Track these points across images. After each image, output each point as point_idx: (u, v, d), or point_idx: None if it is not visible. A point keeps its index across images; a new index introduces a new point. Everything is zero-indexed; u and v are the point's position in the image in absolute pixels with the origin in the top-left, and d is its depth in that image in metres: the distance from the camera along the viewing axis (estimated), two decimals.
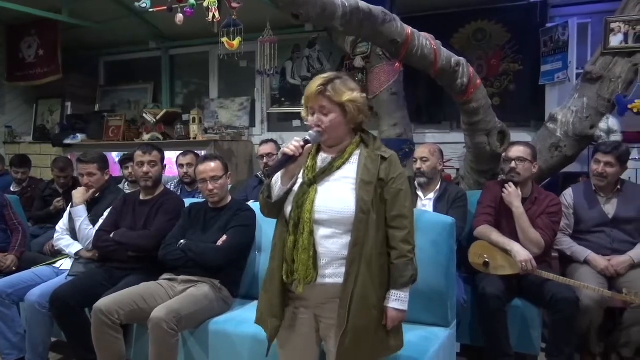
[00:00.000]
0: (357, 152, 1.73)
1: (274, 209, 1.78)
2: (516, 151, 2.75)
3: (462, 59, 2.91)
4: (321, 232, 1.67)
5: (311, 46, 4.77)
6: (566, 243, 2.80)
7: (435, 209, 2.87)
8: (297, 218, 1.68)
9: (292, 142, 1.67)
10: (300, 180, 1.74)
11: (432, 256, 2.28)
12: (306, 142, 1.68)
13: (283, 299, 1.75)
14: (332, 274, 1.67)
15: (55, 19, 4.78)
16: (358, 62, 3.99)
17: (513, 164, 2.72)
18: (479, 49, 4.04)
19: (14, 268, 3.13)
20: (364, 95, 1.74)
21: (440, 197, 2.94)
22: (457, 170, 3.96)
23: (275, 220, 1.83)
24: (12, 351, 2.74)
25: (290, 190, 1.74)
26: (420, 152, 3.02)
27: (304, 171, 1.74)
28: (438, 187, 2.98)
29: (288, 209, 1.73)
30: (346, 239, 1.65)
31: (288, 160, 1.67)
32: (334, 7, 2.26)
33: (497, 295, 2.49)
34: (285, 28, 4.49)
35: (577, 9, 3.86)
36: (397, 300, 1.69)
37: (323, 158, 1.76)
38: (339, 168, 1.72)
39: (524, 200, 2.76)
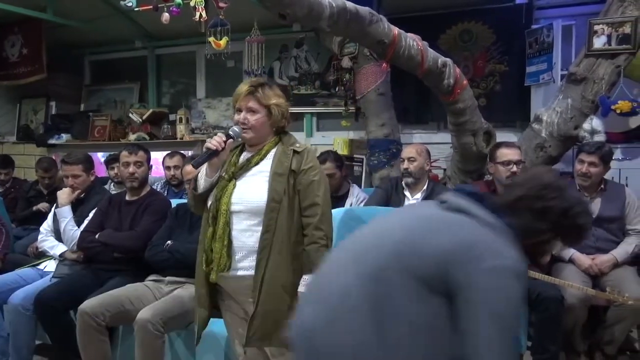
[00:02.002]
0: (274, 150, 1.87)
1: (199, 201, 1.89)
2: (514, 154, 2.76)
3: (448, 60, 2.93)
4: (237, 224, 1.79)
5: (299, 46, 4.76)
6: None
7: None
8: (215, 210, 1.80)
9: (215, 137, 1.81)
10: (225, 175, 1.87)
11: None
12: (228, 136, 1.81)
13: (208, 290, 1.87)
14: (249, 266, 1.77)
15: (40, 18, 4.71)
16: (345, 62, 3.99)
17: (515, 168, 2.73)
18: (465, 50, 4.07)
19: None
20: (288, 103, 1.92)
21: (427, 197, 2.96)
22: (444, 170, 3.98)
23: None
24: None
25: (216, 183, 1.86)
26: (407, 152, 3.04)
27: (226, 166, 1.86)
28: (425, 187, 3.00)
29: (209, 202, 1.84)
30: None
31: (212, 154, 1.80)
32: (321, 8, 2.27)
33: None
34: (273, 28, 4.47)
35: (562, 10, 3.90)
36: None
37: (244, 156, 1.89)
38: (256, 164, 1.85)
39: None
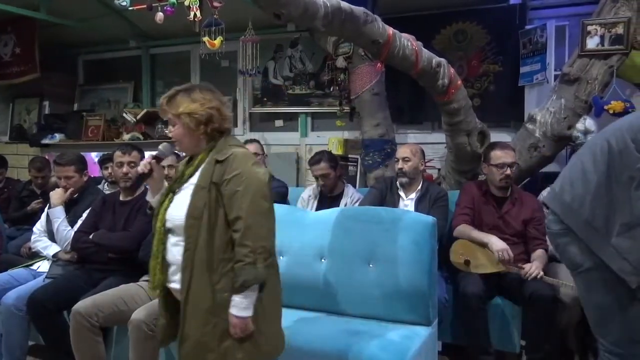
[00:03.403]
0: (207, 159, 1.76)
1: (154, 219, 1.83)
2: (508, 156, 2.77)
3: (443, 60, 2.93)
4: (170, 240, 1.74)
5: (293, 46, 4.76)
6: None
7: (417, 209, 2.90)
8: (154, 227, 1.78)
9: (143, 161, 1.86)
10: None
11: (413, 256, 2.30)
12: (155, 157, 1.86)
13: (164, 301, 1.83)
14: (179, 280, 1.71)
15: (33, 17, 4.68)
16: (340, 62, 3.99)
17: (509, 171, 2.74)
18: (459, 50, 4.08)
19: None
20: (215, 105, 1.75)
21: (421, 197, 2.96)
22: (439, 170, 3.99)
23: None
24: None
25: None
26: (402, 152, 3.04)
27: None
28: (419, 187, 3.01)
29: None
30: None
31: (142, 177, 1.87)
32: (316, 7, 2.26)
33: (477, 294, 2.52)
34: (268, 28, 4.46)
35: (555, 11, 3.92)
36: (235, 307, 1.62)
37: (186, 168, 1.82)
38: (190, 176, 1.76)
39: (504, 200, 2.80)
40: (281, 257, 2.60)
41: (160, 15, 2.70)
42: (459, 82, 3.06)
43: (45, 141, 5.05)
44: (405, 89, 4.19)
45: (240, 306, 1.61)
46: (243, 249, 1.60)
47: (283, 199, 3.40)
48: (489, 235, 2.64)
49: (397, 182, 3.06)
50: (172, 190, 1.78)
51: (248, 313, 1.62)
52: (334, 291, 2.45)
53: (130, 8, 2.93)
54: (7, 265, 3.04)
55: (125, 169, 2.76)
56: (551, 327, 2.50)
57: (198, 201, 1.67)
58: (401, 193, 3.03)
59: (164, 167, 3.61)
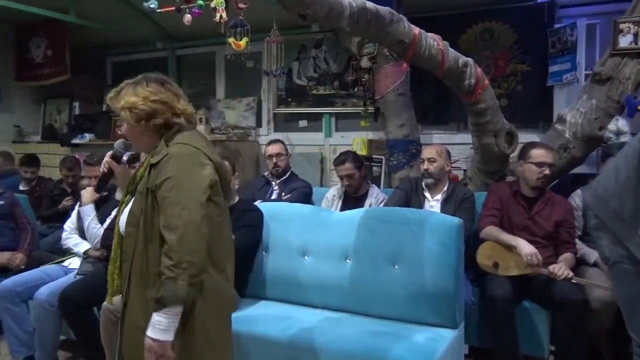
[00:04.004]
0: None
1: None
2: (549, 156, 2.71)
3: (469, 60, 2.90)
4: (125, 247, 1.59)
5: (317, 47, 4.77)
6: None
7: (443, 210, 2.87)
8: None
9: (104, 159, 1.80)
10: None
11: (439, 257, 2.28)
12: (113, 155, 1.81)
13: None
14: None
15: (63, 20, 4.80)
16: (364, 62, 3.98)
17: (547, 171, 2.69)
18: (486, 49, 4.03)
19: (22, 266, 3.15)
20: (161, 99, 1.57)
21: (447, 198, 2.94)
22: (464, 171, 3.95)
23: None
24: (22, 348, 2.76)
25: None
26: (427, 152, 3.02)
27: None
28: (445, 188, 2.98)
29: None
30: None
31: (104, 178, 1.85)
32: (341, 8, 2.26)
33: (505, 297, 2.48)
34: (292, 28, 4.48)
35: (585, 9, 3.83)
36: (152, 326, 1.39)
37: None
38: (141, 178, 1.60)
39: (535, 201, 2.75)
40: (306, 257, 2.62)
41: (188, 17, 2.73)
42: (486, 81, 3.02)
43: (75, 141, 5.17)
44: (430, 89, 4.16)
45: (158, 327, 1.38)
46: (167, 261, 1.39)
47: (307, 199, 3.41)
48: (517, 239, 2.60)
49: (423, 183, 3.03)
50: (129, 192, 1.66)
51: (167, 337, 1.38)
52: (358, 291, 2.45)
53: (158, 10, 2.98)
54: (39, 262, 3.12)
55: None
56: (581, 332, 2.45)
57: (136, 208, 1.53)
58: (427, 194, 3.01)
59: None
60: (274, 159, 3.55)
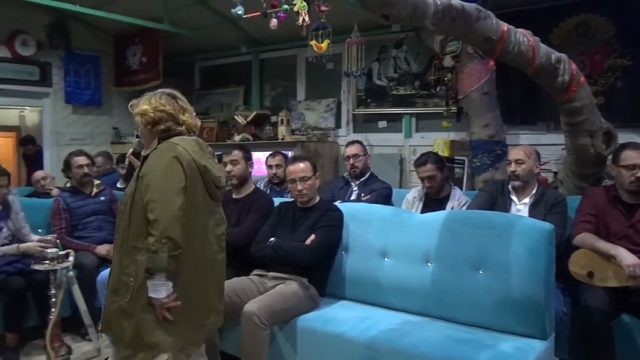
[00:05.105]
0: None
1: None
2: (637, 157, 2.48)
3: (563, 55, 2.73)
4: None
5: (398, 46, 4.72)
6: None
7: (531, 215, 2.72)
8: None
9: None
10: None
11: (528, 264, 2.17)
12: (133, 152, 2.10)
13: None
14: None
15: (157, 28, 5.13)
16: (447, 61, 3.88)
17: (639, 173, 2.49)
18: (580, 44, 3.78)
19: None
20: (167, 110, 1.90)
21: (536, 202, 2.78)
22: (555, 174, 3.72)
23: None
24: None
25: None
26: (514, 154, 2.88)
27: None
28: (534, 191, 2.83)
29: None
30: None
31: (129, 170, 2.12)
32: (426, 6, 2.21)
33: (601, 309, 2.30)
34: (373, 29, 4.48)
35: None
36: (149, 290, 1.77)
37: None
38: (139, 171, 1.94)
39: (636, 208, 2.54)
40: (386, 259, 2.60)
41: (274, 22, 2.81)
42: (582, 78, 2.83)
43: None
44: (516, 88, 3.98)
45: (152, 289, 1.76)
46: (150, 238, 1.74)
47: (387, 200, 3.38)
48: (616, 247, 2.40)
49: (509, 186, 2.89)
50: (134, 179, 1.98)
51: (160, 294, 1.76)
52: (440, 296, 2.39)
53: (245, 16, 3.09)
54: None
55: (228, 167, 2.93)
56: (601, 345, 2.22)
57: (129, 190, 1.89)
58: (513, 197, 2.87)
59: (271, 166, 3.79)
60: (351, 160, 3.56)
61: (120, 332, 1.84)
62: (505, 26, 2.51)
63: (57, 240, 2.98)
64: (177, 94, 2.00)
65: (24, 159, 6.26)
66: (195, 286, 1.89)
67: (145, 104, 1.92)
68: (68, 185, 3.84)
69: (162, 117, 1.91)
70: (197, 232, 1.87)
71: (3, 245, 3.04)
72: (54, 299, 2.73)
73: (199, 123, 2.05)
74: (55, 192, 4.06)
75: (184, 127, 1.94)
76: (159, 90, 2.00)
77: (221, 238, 2.00)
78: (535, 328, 2.15)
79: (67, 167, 3.62)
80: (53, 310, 2.74)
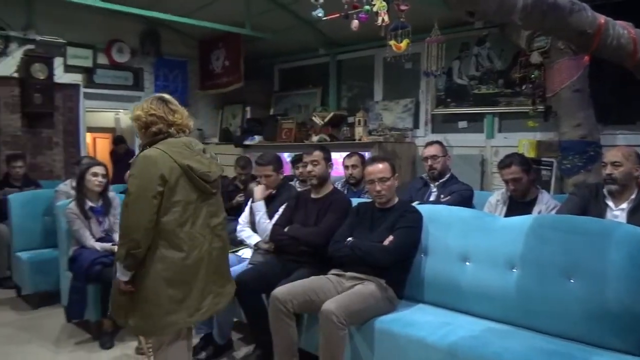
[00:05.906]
0: None
1: None
2: None
3: None
4: None
5: (480, 44, 4.56)
6: None
7: (630, 221, 2.52)
8: None
9: None
10: None
11: (627, 273, 2.02)
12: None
13: None
14: None
15: (239, 33, 5.33)
16: (535, 58, 3.69)
17: None
18: None
19: None
20: (156, 113, 2.05)
21: (635, 207, 2.57)
22: None
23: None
24: (203, 326, 3.11)
25: None
26: (611, 155, 2.68)
27: None
28: (633, 196, 2.62)
29: None
30: None
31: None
32: (513, 0, 2.12)
33: None
34: (454, 27, 4.36)
35: None
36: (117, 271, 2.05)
37: None
38: None
39: None
40: (467, 263, 2.52)
41: (355, 23, 2.81)
42: None
43: (247, 142, 5.70)
44: (612, 84, 3.69)
45: (118, 271, 2.04)
46: (119, 233, 2.04)
47: (467, 202, 3.27)
48: None
49: (605, 190, 2.70)
50: None
51: (122, 278, 2.02)
52: (526, 304, 2.28)
53: (325, 18, 3.12)
54: None
55: (309, 167, 2.97)
56: None
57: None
58: (609, 202, 2.67)
59: (347, 167, 3.80)
60: (430, 161, 3.48)
61: (114, 309, 2.17)
62: (602, 18, 2.34)
63: None
64: (168, 97, 2.15)
65: (111, 157, 6.74)
66: (189, 274, 2.05)
67: (139, 110, 2.09)
68: None
69: (153, 120, 2.07)
70: (187, 224, 2.03)
71: (100, 239, 3.29)
72: None
73: (191, 123, 2.18)
74: None
75: (174, 128, 2.09)
76: (151, 96, 2.19)
77: (217, 228, 2.16)
78: (634, 343, 1.99)
79: None
80: None
